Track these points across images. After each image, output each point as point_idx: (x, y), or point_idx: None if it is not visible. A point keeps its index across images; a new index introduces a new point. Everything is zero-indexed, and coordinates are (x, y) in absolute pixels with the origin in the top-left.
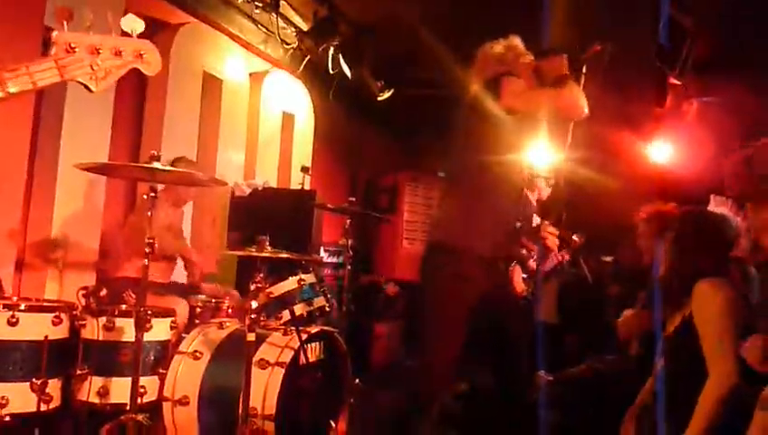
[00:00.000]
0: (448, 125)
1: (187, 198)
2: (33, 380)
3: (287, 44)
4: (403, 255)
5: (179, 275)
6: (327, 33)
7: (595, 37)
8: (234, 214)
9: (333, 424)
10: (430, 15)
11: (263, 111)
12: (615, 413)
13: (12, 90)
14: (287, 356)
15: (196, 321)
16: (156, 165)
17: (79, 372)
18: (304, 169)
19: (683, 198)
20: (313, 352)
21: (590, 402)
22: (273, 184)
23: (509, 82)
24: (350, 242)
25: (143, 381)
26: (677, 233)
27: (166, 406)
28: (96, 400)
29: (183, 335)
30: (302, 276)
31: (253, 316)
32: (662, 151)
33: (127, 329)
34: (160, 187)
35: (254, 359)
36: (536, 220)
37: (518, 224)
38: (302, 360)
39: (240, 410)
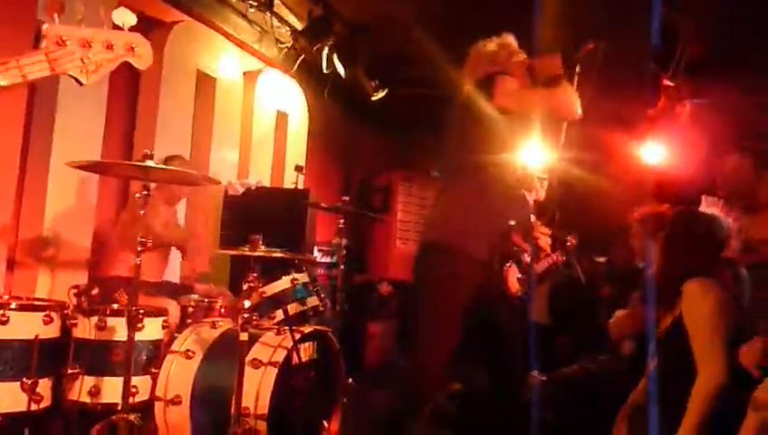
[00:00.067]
0: (442, 125)
1: (180, 196)
2: (24, 379)
3: (281, 43)
4: (396, 254)
5: (171, 274)
6: (321, 32)
7: (589, 37)
8: (227, 213)
9: (326, 424)
10: (425, 15)
11: (256, 110)
12: (607, 413)
13: (2, 83)
14: (280, 356)
15: (189, 320)
16: (149, 163)
17: (70, 371)
18: (298, 169)
19: (675, 198)
20: (306, 351)
21: (582, 402)
22: (267, 183)
23: (502, 81)
24: (343, 241)
25: (135, 380)
26: (669, 233)
27: (158, 406)
28: (87, 399)
29: (175, 335)
30: (296, 276)
31: (245, 316)
32: (655, 152)
33: (119, 328)
34: (153, 186)
35: (247, 358)
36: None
37: (511, 222)
38: (295, 359)
39: (232, 410)
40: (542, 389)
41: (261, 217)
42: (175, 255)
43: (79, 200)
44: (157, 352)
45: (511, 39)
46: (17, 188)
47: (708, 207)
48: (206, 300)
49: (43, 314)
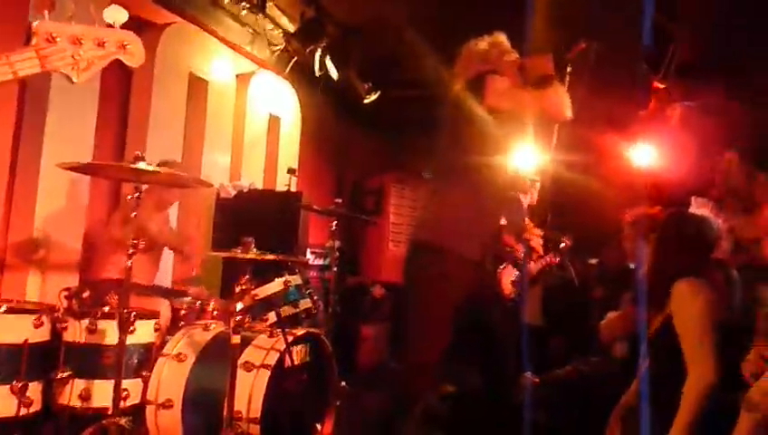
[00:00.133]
0: (434, 125)
1: (171, 201)
2: (13, 383)
3: (274, 45)
4: (389, 257)
5: (163, 277)
6: (314, 34)
7: (581, 37)
8: (219, 215)
9: (319, 427)
10: (417, 17)
11: (249, 112)
12: (600, 415)
13: None
14: (273, 359)
15: (181, 323)
16: (140, 165)
17: (60, 375)
18: (291, 171)
19: (666, 200)
20: (299, 354)
21: (575, 404)
22: (259, 186)
23: (493, 81)
24: (336, 244)
25: (126, 384)
26: (660, 235)
27: (149, 409)
28: (78, 403)
29: (167, 337)
30: (288, 278)
31: (238, 318)
32: (646, 154)
33: (109, 331)
34: (145, 187)
35: (240, 361)
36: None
37: (503, 221)
38: (288, 362)
39: (225, 414)
40: (535, 390)
41: (253, 220)
42: (166, 257)
43: (70, 202)
44: (148, 355)
45: (503, 38)
46: (7, 189)
47: (698, 208)
48: (198, 303)
49: (34, 317)
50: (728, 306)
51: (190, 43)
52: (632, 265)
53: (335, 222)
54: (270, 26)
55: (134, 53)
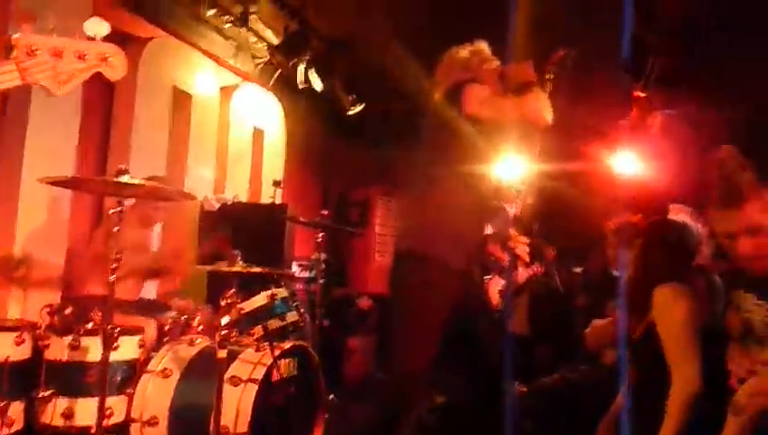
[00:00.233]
0: (418, 135)
1: (156, 219)
2: None
3: (258, 59)
4: (375, 268)
5: (147, 292)
6: (298, 47)
7: (562, 46)
8: (203, 228)
9: None
10: (401, 29)
11: (233, 125)
12: (588, 423)
13: None
14: (260, 372)
15: (166, 338)
16: (123, 179)
17: (42, 393)
18: (276, 183)
19: (647, 208)
20: (286, 367)
21: (563, 412)
22: (244, 198)
23: (471, 89)
24: (322, 256)
25: (110, 401)
26: (644, 242)
27: (134, 427)
28: (60, 422)
29: (152, 354)
30: (275, 291)
31: (224, 332)
32: (627, 162)
33: (93, 348)
34: (127, 203)
35: (226, 376)
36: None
37: (488, 230)
38: (276, 376)
39: (211, 429)
40: (523, 399)
41: (238, 233)
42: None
43: (51, 217)
44: (132, 372)
45: (483, 46)
46: None
47: (676, 215)
48: (183, 317)
49: (15, 334)
50: (711, 312)
51: (173, 57)
52: (616, 273)
53: (321, 234)
54: (253, 39)
55: (115, 66)
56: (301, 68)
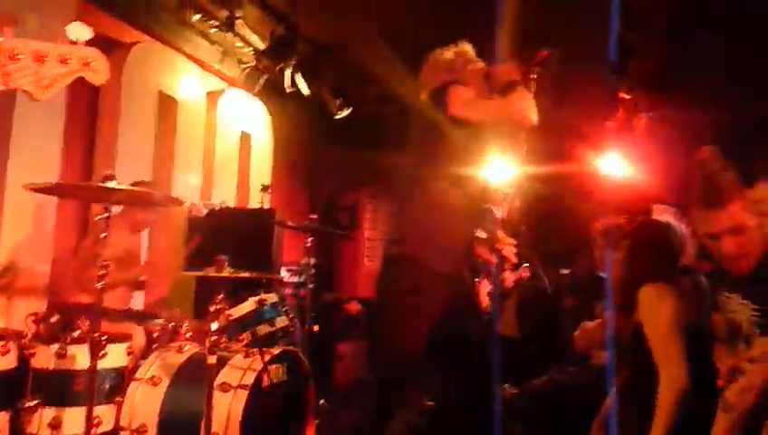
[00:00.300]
0: (405, 138)
1: (144, 224)
2: None
3: (244, 63)
4: (365, 272)
5: (136, 302)
6: (284, 51)
7: (546, 46)
8: (191, 235)
9: None
10: (388, 32)
11: (220, 130)
12: (578, 424)
13: None
14: (250, 378)
15: (154, 345)
16: (110, 184)
17: (28, 403)
18: (264, 188)
19: (632, 209)
20: (276, 373)
21: (552, 414)
22: (231, 204)
23: (456, 91)
24: (312, 260)
25: (98, 410)
26: (630, 243)
27: None
28: (47, 432)
29: (140, 361)
30: (264, 296)
31: (213, 338)
32: (613, 164)
33: (80, 356)
34: (115, 210)
35: (216, 382)
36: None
37: (480, 234)
38: (266, 382)
39: None
40: (513, 401)
41: (226, 238)
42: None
43: (36, 225)
44: (121, 380)
45: (468, 47)
46: None
47: (659, 215)
48: (171, 324)
49: (0, 344)
50: (697, 311)
51: (159, 62)
52: (603, 274)
53: (310, 238)
54: (240, 44)
55: (98, 71)
56: (287, 72)
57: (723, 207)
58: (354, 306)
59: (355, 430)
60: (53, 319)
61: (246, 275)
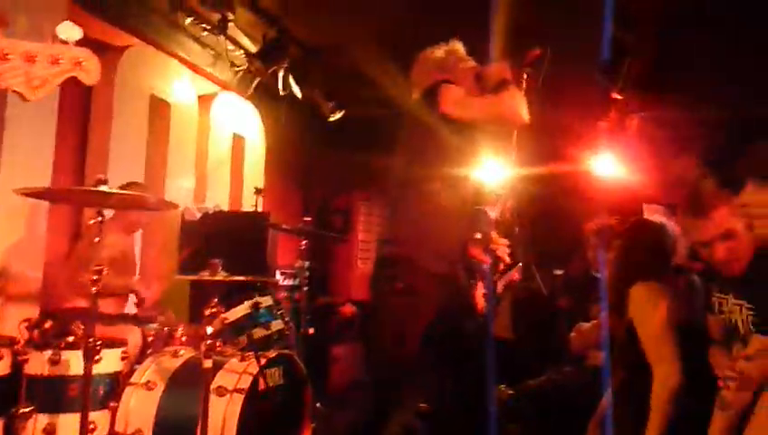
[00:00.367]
0: (398, 140)
1: (139, 224)
2: None
3: (236, 66)
4: (358, 275)
5: (131, 307)
6: (276, 54)
7: (537, 45)
8: (185, 238)
9: None
10: (380, 35)
11: (212, 134)
12: (574, 424)
13: None
14: (246, 382)
15: (149, 350)
16: (103, 188)
17: (22, 410)
18: (257, 191)
19: (624, 209)
20: (272, 377)
21: (549, 414)
22: (225, 207)
23: (447, 90)
24: (306, 263)
25: (93, 416)
26: (623, 243)
27: None
28: None
29: (135, 366)
30: (259, 299)
31: (209, 342)
32: (606, 164)
33: (74, 362)
34: (108, 213)
35: (212, 386)
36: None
37: (478, 235)
38: (262, 385)
39: None
40: (510, 402)
41: (220, 242)
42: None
43: (28, 230)
44: (116, 385)
45: (459, 46)
46: None
47: (650, 215)
48: (166, 329)
49: None
50: (690, 311)
51: (151, 65)
52: (597, 274)
53: (304, 241)
54: (232, 47)
55: (90, 71)
56: (280, 75)
57: (707, 215)
58: (349, 309)
59: (351, 433)
60: (47, 325)
61: (241, 278)
